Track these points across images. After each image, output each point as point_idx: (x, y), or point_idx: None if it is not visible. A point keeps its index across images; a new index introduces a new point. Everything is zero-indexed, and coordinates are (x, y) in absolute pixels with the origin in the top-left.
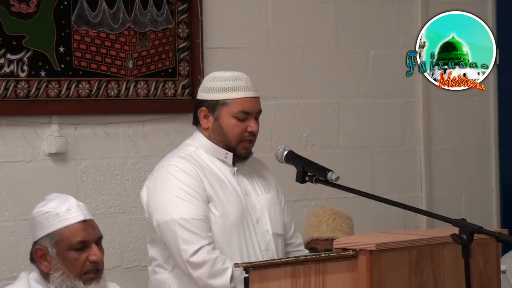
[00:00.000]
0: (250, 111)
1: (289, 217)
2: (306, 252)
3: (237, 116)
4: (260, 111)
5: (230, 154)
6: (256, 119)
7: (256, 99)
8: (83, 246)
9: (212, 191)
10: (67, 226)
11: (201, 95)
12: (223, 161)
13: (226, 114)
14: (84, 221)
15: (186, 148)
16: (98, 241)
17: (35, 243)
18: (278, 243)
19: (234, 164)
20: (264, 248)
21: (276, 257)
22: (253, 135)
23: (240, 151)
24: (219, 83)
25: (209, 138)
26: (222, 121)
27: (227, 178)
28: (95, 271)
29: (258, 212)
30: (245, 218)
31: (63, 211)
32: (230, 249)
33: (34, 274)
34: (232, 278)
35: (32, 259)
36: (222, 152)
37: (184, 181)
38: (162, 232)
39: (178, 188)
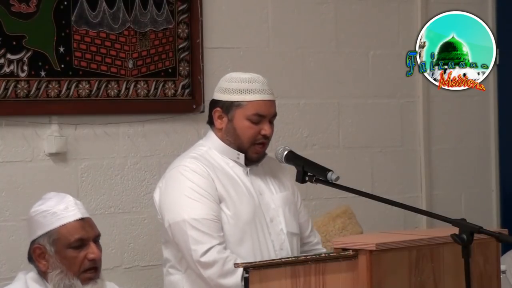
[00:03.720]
0: (265, 114)
1: (306, 216)
2: (324, 251)
3: (251, 119)
4: (275, 115)
5: (242, 155)
6: (271, 122)
7: (271, 103)
8: (81, 244)
9: (224, 191)
10: (65, 224)
11: (217, 95)
12: (236, 161)
13: (240, 116)
14: (82, 219)
15: (199, 148)
16: (96, 239)
17: (33, 242)
18: (293, 242)
19: (246, 164)
20: (278, 248)
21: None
22: (267, 138)
23: (251, 154)
24: (235, 84)
25: (222, 138)
26: (236, 122)
27: (239, 178)
28: (94, 270)
29: (272, 211)
30: (258, 218)
31: (61, 209)
32: (242, 248)
33: (32, 274)
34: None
35: (30, 259)
36: (234, 153)
37: (195, 181)
38: (173, 232)
39: (189, 189)
